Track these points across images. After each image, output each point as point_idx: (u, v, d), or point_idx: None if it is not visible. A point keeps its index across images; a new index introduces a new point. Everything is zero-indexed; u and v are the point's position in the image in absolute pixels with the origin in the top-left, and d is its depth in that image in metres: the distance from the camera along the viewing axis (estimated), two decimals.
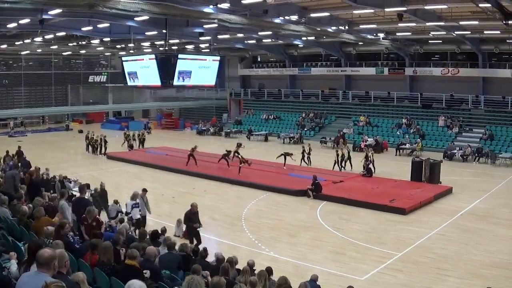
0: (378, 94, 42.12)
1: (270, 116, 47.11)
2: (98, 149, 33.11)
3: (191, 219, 14.37)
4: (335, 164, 27.17)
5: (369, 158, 25.47)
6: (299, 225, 17.06)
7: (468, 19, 26.81)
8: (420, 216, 18.19)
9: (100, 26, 31.88)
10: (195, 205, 14.56)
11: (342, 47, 43.96)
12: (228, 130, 44.78)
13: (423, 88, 40.43)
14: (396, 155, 32.97)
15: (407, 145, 33.65)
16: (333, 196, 20.52)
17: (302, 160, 28.48)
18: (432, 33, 33.73)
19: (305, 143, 32.80)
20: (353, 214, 18.52)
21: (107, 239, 8.43)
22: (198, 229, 14.40)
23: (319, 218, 17.93)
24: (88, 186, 17.95)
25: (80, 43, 41.09)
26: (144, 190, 15.90)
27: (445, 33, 31.90)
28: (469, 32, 32.03)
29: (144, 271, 7.16)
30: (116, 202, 16.73)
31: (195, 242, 13.67)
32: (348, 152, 27.53)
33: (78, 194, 13.64)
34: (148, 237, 10.69)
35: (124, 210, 15.26)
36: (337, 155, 27.29)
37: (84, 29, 31.81)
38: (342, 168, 27.01)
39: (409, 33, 34.79)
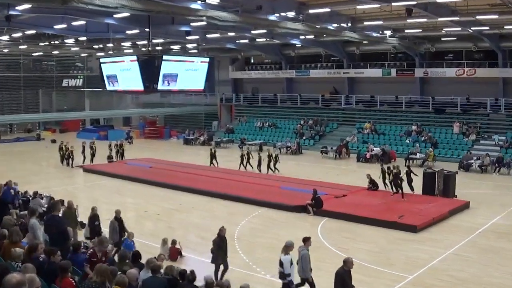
0: (384, 98, 42.28)
1: (265, 124, 47.17)
2: (71, 161, 32.97)
3: (221, 247, 13.50)
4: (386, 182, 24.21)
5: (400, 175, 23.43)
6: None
7: (486, 13, 26.83)
8: (433, 234, 18.17)
9: (75, 23, 31.88)
10: (224, 230, 13.68)
11: (344, 46, 44.17)
12: (219, 139, 44.77)
13: (435, 91, 40.63)
14: (405, 165, 32.84)
15: (418, 155, 33.71)
16: (335, 212, 20.47)
17: (269, 168, 29.91)
18: (445, 29, 33.90)
19: (270, 149, 33.09)
20: (358, 232, 18.49)
21: (82, 262, 8.37)
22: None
23: (320, 236, 17.89)
24: (62, 202, 17.82)
25: (52, 42, 41.04)
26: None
27: (460, 29, 32.05)
28: (487, 28, 32.17)
29: None
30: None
31: (221, 268, 13.46)
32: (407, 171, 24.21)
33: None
34: (129, 259, 10.62)
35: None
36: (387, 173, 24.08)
37: (57, 27, 31.81)
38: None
39: (419, 30, 34.98)
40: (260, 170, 30.52)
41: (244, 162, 31.19)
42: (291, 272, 11.65)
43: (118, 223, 15.16)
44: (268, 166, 30.28)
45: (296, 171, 30.78)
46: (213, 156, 32.37)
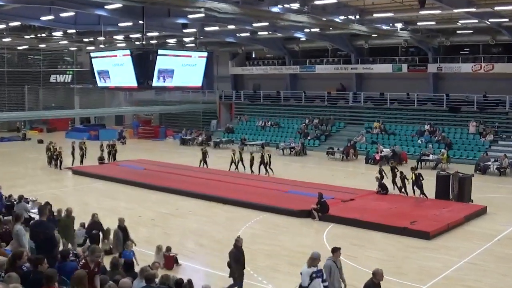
0: (395, 95, 42.26)
1: (267, 123, 47.15)
2: (59, 163, 32.95)
3: (239, 260, 13.01)
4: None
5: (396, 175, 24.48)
6: (302, 252, 16.91)
7: (505, 4, 26.74)
8: (448, 241, 18.10)
9: (63, 15, 31.88)
10: (241, 240, 13.19)
11: (352, 40, 44.15)
12: (218, 140, 44.75)
13: (450, 88, 40.60)
14: (417, 168, 32.84)
15: (431, 156, 33.67)
16: (342, 217, 20.43)
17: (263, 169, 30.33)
18: (460, 21, 33.86)
19: (264, 150, 33.35)
20: (367, 238, 18.44)
21: (71, 271, 8.33)
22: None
23: (326, 243, 17.82)
24: (49, 206, 17.82)
25: (39, 35, 41.09)
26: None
27: (476, 21, 31.97)
28: (507, 20, 32.05)
29: None
30: (83, 225, 16.62)
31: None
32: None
33: (37, 217, 13.51)
34: (121, 267, 10.60)
35: None
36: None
37: (44, 18, 31.78)
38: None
39: (433, 23, 34.96)
40: (252, 171, 30.79)
41: (236, 162, 31.45)
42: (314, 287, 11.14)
43: (122, 232, 15.05)
44: (260, 167, 30.58)
45: (300, 174, 30.73)
46: (204, 156, 32.68)
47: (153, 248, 15.72)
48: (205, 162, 32.63)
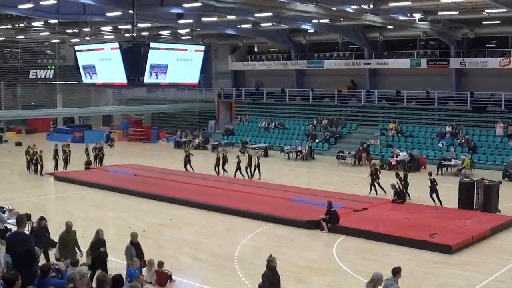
0: (413, 94, 42.25)
1: (270, 124, 47.18)
2: (39, 168, 32.93)
3: (274, 283, 12.80)
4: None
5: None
6: (309, 267, 16.94)
7: None
8: (472, 256, 18.06)
9: (44, 3, 31.88)
10: (275, 260, 13.02)
11: (365, 32, 44.15)
12: (216, 142, 44.75)
13: (474, 85, 40.57)
14: (438, 174, 32.86)
15: (453, 161, 33.64)
16: (354, 229, 20.41)
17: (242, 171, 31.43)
18: (487, 11, 33.79)
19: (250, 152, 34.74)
20: (381, 252, 18.41)
21: None
22: None
23: (336, 257, 17.83)
24: (28, 217, 17.79)
25: (17, 26, 41.08)
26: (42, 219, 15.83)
27: (505, 10, 31.88)
28: None
29: None
30: None
31: None
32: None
33: (14, 228, 13.51)
34: (109, 284, 10.56)
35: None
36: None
37: (22, 6, 31.74)
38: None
39: (456, 12, 34.87)
40: (242, 175, 31.51)
41: (220, 165, 32.41)
42: None
43: (135, 248, 14.89)
44: (247, 170, 31.45)
45: (307, 180, 30.73)
46: (187, 159, 33.49)
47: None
48: (186, 166, 33.54)
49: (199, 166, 33.68)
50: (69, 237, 15.03)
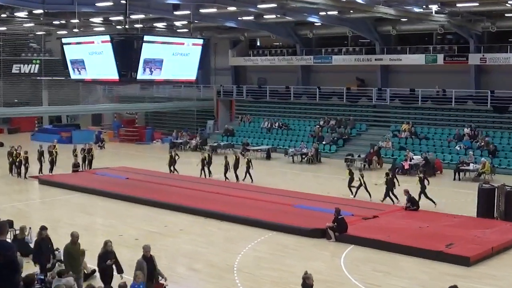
0: (428, 92, 42.27)
1: (274, 124, 47.22)
2: (24, 170, 32.94)
3: None
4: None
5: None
6: (315, 279, 16.88)
7: None
8: (492, 268, 18.06)
9: None
10: (311, 277, 13.23)
11: (377, 25, 44.20)
12: (215, 144, 44.77)
13: (495, 84, 40.55)
14: (454, 179, 32.96)
15: (471, 166, 33.64)
16: (363, 238, 20.43)
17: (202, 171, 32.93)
18: (510, 2, 33.70)
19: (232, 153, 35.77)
20: (393, 264, 18.44)
21: None
22: None
23: (344, 269, 17.84)
24: (10, 224, 17.84)
25: None
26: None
27: None
28: None
29: None
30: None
31: None
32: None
33: None
34: None
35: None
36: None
37: None
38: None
39: (476, 4, 34.86)
40: (226, 178, 32.12)
41: (205, 167, 33.40)
42: None
43: (147, 263, 14.76)
44: (235, 171, 32.18)
45: (313, 185, 30.77)
46: (172, 161, 34.37)
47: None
48: (171, 168, 34.43)
49: (197, 170, 33.62)
50: (75, 249, 14.88)
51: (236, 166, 32.02)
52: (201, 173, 33.23)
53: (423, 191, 25.58)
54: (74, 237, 14.93)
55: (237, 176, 32.05)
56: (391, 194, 26.19)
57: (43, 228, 16.07)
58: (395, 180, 26.75)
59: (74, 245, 14.93)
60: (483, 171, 32.51)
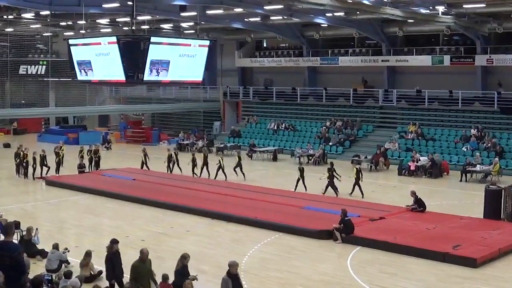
0: (435, 93, 42.16)
1: (280, 126, 47.20)
2: (33, 171, 32.94)
3: None
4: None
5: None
6: (321, 280, 16.95)
7: None
8: (499, 270, 18.00)
9: None
10: None
11: (383, 27, 44.15)
12: (222, 145, 44.75)
13: (503, 84, 40.43)
14: (461, 180, 32.88)
15: (478, 167, 33.56)
16: (370, 240, 20.39)
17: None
18: None
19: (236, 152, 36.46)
20: (400, 265, 18.39)
21: None
22: None
23: (351, 270, 17.82)
24: (17, 225, 17.86)
25: (5, 17, 41.16)
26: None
27: None
28: None
29: None
30: (56, 247, 16.65)
31: None
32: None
33: (1, 237, 13.52)
34: None
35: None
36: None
37: None
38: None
39: (483, 5, 34.75)
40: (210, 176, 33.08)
41: (171, 165, 34.91)
42: None
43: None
44: (235, 169, 32.85)
45: (319, 186, 30.67)
46: (170, 160, 35.01)
47: None
48: (170, 168, 35.06)
49: (204, 171, 33.64)
50: (144, 267, 14.08)
51: (204, 164, 33.34)
52: (193, 173, 33.88)
53: (357, 182, 28.04)
54: (144, 255, 14.14)
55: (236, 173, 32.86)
56: (332, 187, 28.21)
57: (114, 242, 15.05)
58: (335, 174, 28.30)
59: (143, 263, 14.16)
60: (492, 172, 32.39)
